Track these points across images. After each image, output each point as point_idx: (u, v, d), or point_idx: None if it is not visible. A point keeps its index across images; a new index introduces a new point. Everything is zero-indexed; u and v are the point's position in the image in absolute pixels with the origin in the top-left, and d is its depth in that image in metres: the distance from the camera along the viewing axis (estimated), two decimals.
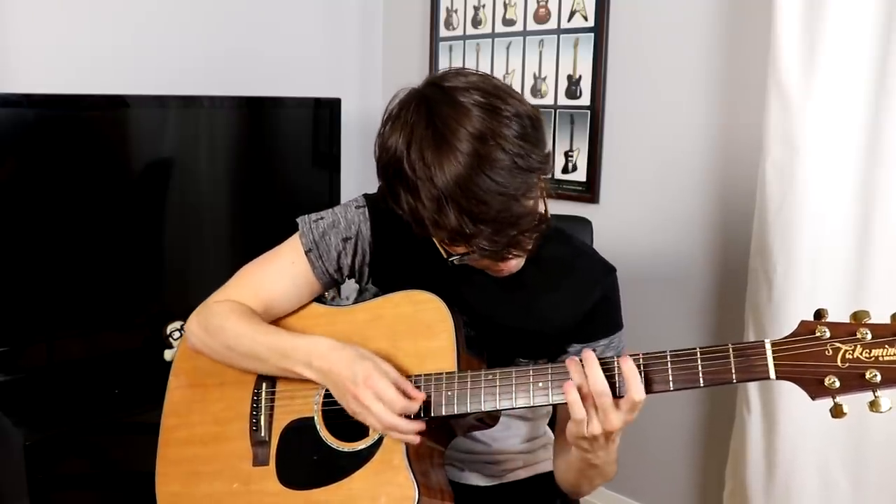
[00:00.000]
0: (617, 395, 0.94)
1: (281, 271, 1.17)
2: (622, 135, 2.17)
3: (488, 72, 2.38)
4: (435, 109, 0.95)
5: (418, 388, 1.03)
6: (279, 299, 1.17)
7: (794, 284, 1.65)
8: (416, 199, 0.95)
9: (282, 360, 1.09)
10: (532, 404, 1.00)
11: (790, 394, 1.67)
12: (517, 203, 0.94)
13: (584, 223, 1.59)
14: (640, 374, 0.93)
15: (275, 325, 1.17)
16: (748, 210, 1.82)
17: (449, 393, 1.02)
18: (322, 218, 1.18)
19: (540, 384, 0.99)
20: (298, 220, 1.19)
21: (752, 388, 1.75)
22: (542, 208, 1.01)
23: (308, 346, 1.08)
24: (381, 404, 0.99)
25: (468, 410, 1.01)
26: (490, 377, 1.01)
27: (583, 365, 0.95)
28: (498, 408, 1.00)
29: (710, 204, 2.01)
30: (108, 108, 1.96)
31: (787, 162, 1.65)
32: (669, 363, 0.93)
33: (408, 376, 1.05)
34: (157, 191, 2.08)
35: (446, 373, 1.03)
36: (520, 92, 1.07)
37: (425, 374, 1.05)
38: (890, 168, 1.54)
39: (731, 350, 0.90)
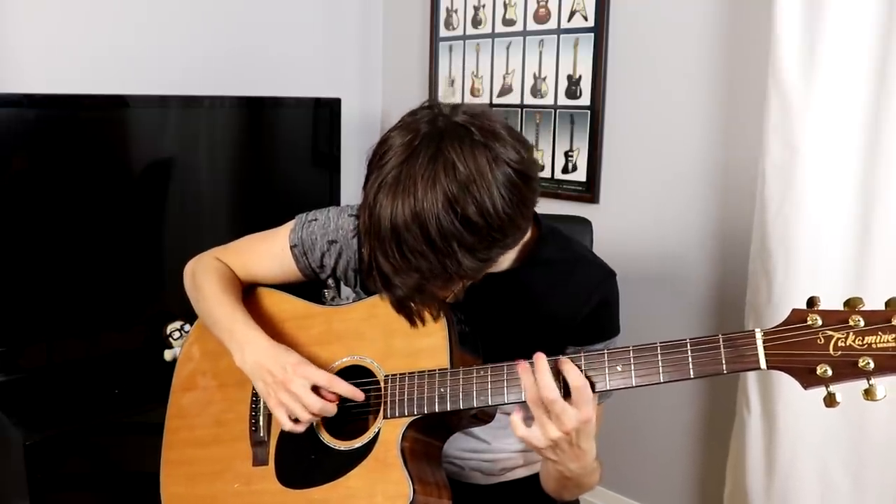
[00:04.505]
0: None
1: (271, 254, 1.26)
2: (622, 135, 2.17)
3: (489, 72, 2.42)
4: (415, 157, 0.92)
5: (412, 384, 1.04)
6: (264, 277, 1.27)
7: (794, 285, 1.65)
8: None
9: (225, 335, 1.17)
10: (524, 399, 0.99)
11: (790, 394, 1.67)
12: (404, 276, 0.95)
13: (584, 223, 1.59)
14: (636, 369, 0.93)
15: (268, 310, 1.24)
16: (748, 210, 1.82)
17: (442, 390, 1.02)
18: (316, 219, 1.23)
19: None
20: (297, 216, 1.25)
21: (752, 388, 1.75)
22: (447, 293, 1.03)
23: (248, 336, 1.14)
24: (311, 395, 1.05)
25: (461, 407, 1.02)
26: (482, 373, 1.01)
27: (534, 370, 0.95)
28: (490, 403, 1.00)
29: (710, 204, 2.01)
30: (108, 108, 1.96)
31: (787, 162, 1.64)
32: (660, 355, 0.92)
33: (401, 374, 1.06)
34: (158, 191, 2.09)
35: (439, 370, 1.04)
36: (518, 130, 0.97)
37: (419, 372, 1.05)
38: (890, 168, 1.54)
39: (720, 340, 0.89)
